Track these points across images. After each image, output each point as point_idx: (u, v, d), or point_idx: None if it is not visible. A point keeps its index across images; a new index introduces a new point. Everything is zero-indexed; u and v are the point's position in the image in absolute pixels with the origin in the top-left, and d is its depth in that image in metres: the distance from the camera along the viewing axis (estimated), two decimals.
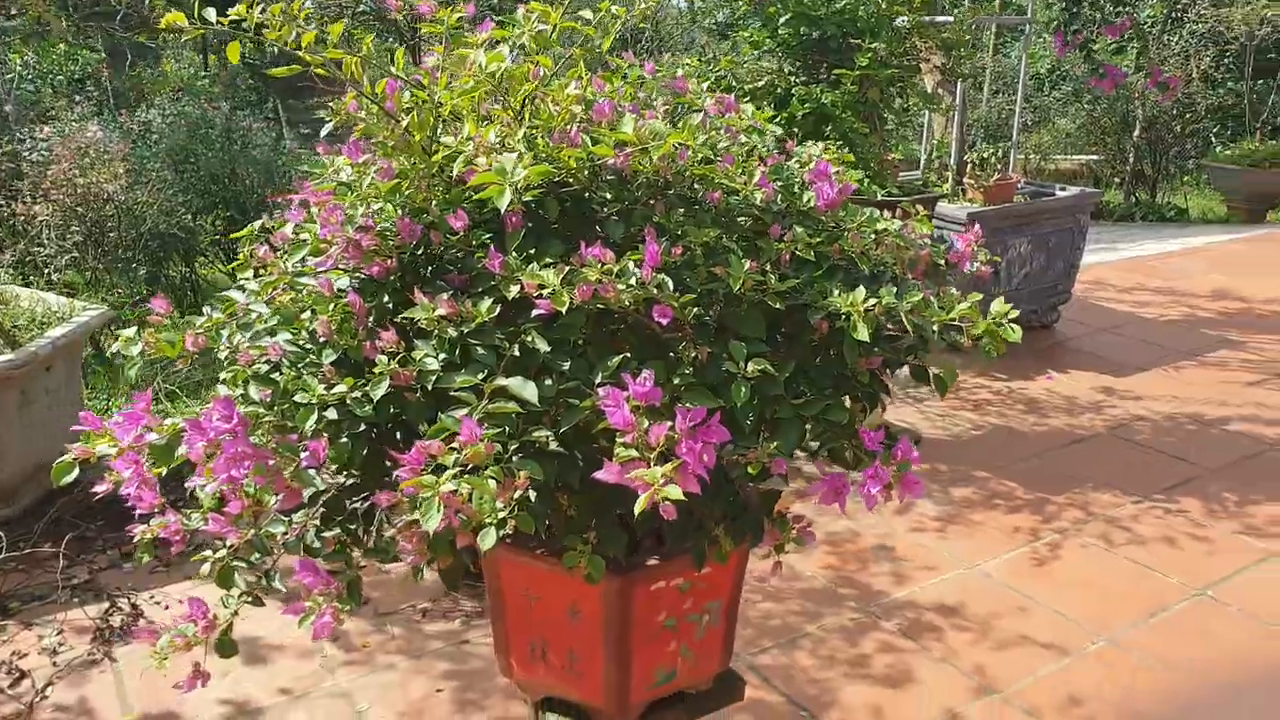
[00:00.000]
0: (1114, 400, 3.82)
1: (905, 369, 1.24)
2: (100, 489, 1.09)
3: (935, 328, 1.13)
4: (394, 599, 2.43)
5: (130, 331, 1.09)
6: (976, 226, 1.40)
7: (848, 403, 1.10)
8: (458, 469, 0.86)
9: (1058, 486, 3.06)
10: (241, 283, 1.12)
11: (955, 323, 1.10)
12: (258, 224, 1.20)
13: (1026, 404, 3.76)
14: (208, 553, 1.09)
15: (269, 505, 1.13)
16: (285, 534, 1.08)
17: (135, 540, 1.09)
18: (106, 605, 2.39)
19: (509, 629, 1.37)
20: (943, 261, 1.33)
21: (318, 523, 1.08)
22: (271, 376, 0.98)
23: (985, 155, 4.29)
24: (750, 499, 1.10)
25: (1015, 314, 1.10)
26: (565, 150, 1.02)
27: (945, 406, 3.72)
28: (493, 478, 0.86)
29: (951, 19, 3.50)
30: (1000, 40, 7.37)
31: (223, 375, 1.12)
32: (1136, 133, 9.09)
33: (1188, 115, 9.08)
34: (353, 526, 1.08)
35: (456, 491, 0.84)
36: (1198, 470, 3.19)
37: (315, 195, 1.09)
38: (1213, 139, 9.34)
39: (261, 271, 1.11)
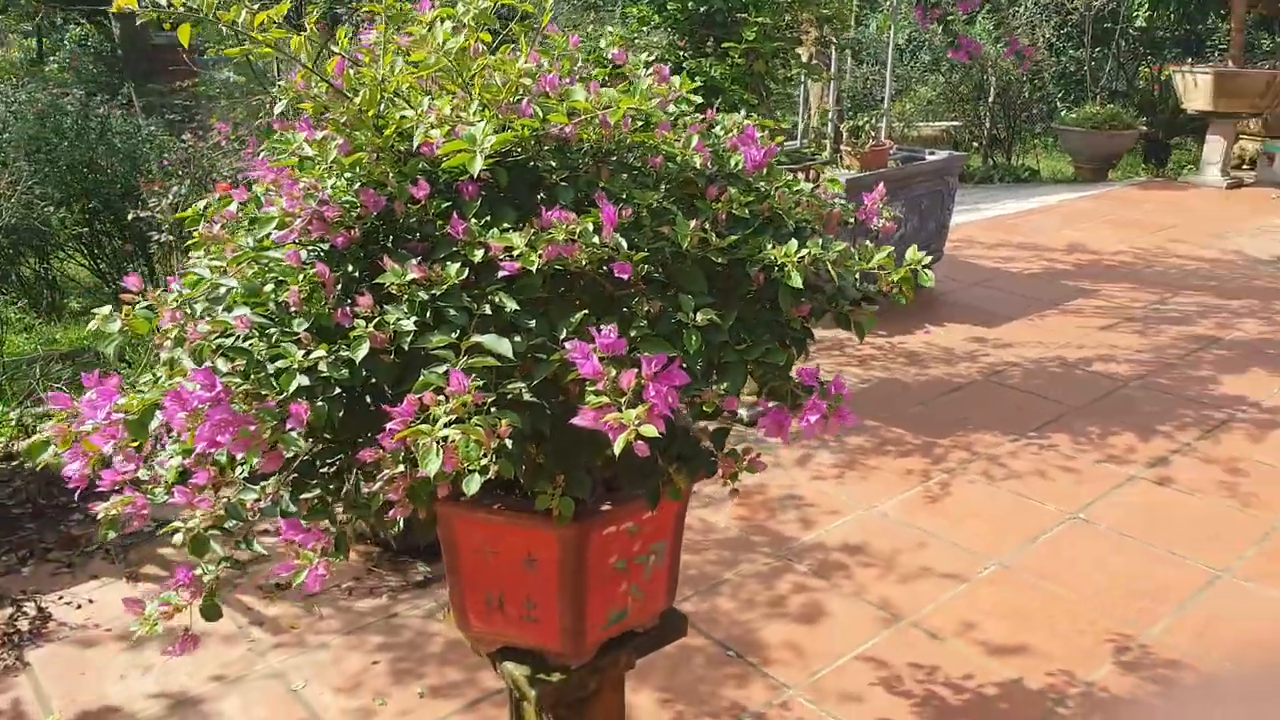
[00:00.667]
0: (987, 349, 4.10)
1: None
2: (73, 468, 1.09)
3: (856, 276, 1.24)
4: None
5: (106, 309, 1.09)
6: (880, 186, 1.52)
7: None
8: (446, 419, 0.92)
9: (943, 430, 3.29)
10: (194, 261, 1.13)
11: (873, 270, 1.22)
12: (201, 204, 1.21)
13: (908, 357, 4.00)
14: (178, 524, 1.11)
15: (234, 476, 1.16)
16: (258, 500, 1.11)
17: (99, 517, 1.10)
18: (10, 610, 2.31)
19: (465, 584, 1.43)
20: (851, 220, 1.45)
21: (290, 488, 1.11)
22: (242, 347, 1.01)
23: (860, 123, 4.50)
24: (701, 438, 1.19)
25: (929, 259, 1.22)
26: (518, 120, 1.08)
27: (833, 364, 3.91)
28: (479, 425, 0.92)
29: None
30: (860, 12, 7.63)
31: (173, 354, 1.13)
32: (991, 98, 9.61)
33: (1035, 82, 9.65)
34: (332, 486, 1.12)
35: (447, 439, 0.90)
36: (1064, 408, 3.48)
37: (273, 171, 1.11)
38: (1058, 104, 9.95)
39: (214, 249, 1.12)
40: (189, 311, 1.06)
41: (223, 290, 1.06)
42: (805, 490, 2.89)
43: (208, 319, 1.07)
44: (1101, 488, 2.89)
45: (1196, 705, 1.98)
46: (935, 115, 9.77)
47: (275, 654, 2.15)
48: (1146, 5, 9.08)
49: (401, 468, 0.98)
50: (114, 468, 1.13)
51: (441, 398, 0.94)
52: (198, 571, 1.09)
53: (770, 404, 1.19)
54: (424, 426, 0.91)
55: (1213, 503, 2.80)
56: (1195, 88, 7.97)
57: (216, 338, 1.07)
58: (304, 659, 2.13)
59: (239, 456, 1.10)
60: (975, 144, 9.59)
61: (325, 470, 1.12)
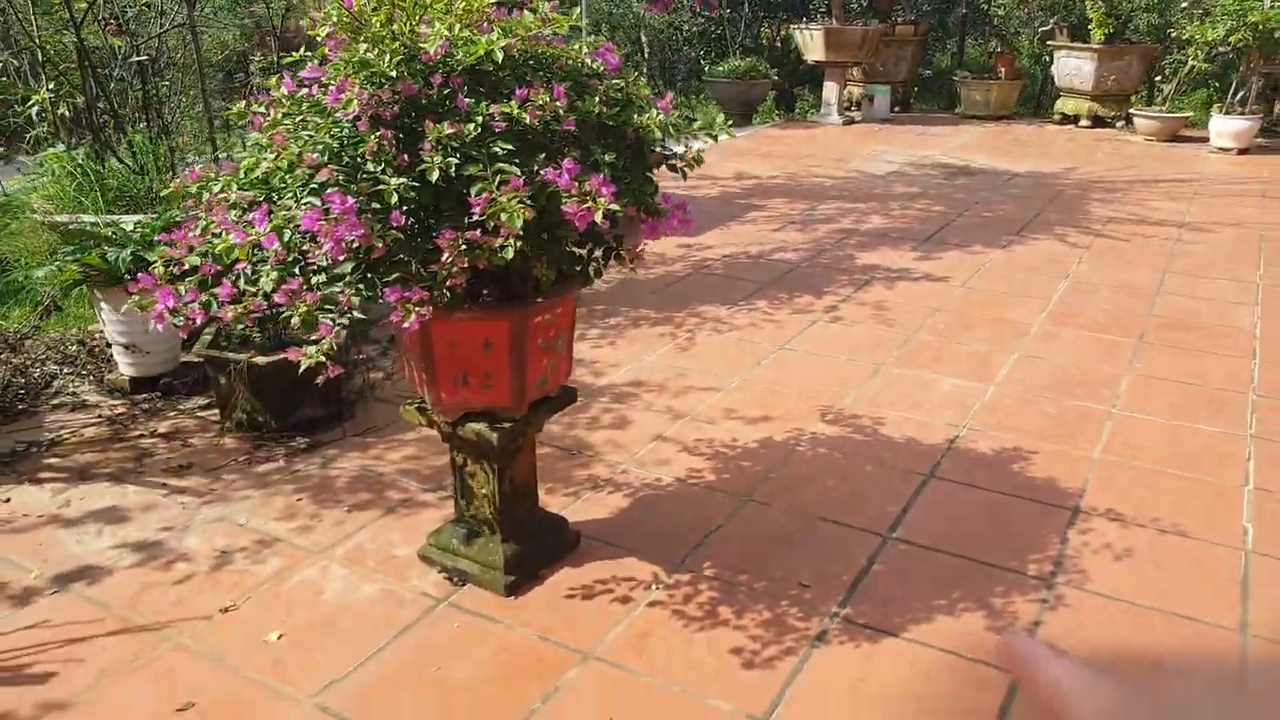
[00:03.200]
0: (693, 252, 5.11)
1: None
2: (160, 307, 1.60)
3: (685, 136, 2.03)
4: (213, 461, 2.84)
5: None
6: (669, 94, 2.31)
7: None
8: (508, 203, 1.56)
9: (676, 307, 4.22)
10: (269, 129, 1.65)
11: (701, 129, 2.00)
12: (238, 106, 1.73)
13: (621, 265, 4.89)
14: (288, 311, 1.64)
15: (315, 283, 1.72)
16: (341, 293, 1.68)
17: (230, 314, 1.62)
18: None
19: (438, 371, 2.04)
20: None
21: (362, 283, 1.68)
22: (344, 183, 1.56)
23: None
24: (608, 235, 1.91)
25: (730, 122, 2.03)
26: (497, 32, 1.71)
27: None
28: (521, 205, 1.57)
29: None
30: None
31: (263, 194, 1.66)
32: (647, 55, 10.85)
33: (680, 40, 11.02)
34: (396, 274, 1.70)
35: (511, 212, 1.55)
36: (759, 284, 4.55)
37: (321, 73, 1.65)
38: (701, 60, 11.40)
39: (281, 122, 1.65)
40: (299, 148, 1.61)
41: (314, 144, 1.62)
42: (589, 355, 3.68)
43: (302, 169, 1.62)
44: (796, 329, 3.95)
45: (875, 437, 3.03)
46: None
47: (207, 509, 2.58)
48: None
49: (464, 245, 1.62)
50: (226, 285, 1.66)
51: (503, 190, 1.59)
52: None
53: (645, 216, 1.95)
54: (502, 200, 1.57)
55: (869, 329, 3.95)
56: (811, 42, 9.64)
57: (301, 181, 1.62)
58: (235, 507, 2.59)
59: (318, 263, 1.67)
60: None
61: (399, 260, 1.70)
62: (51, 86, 3.33)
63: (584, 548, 2.39)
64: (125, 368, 3.21)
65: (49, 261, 2.93)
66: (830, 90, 9.82)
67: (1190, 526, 2.49)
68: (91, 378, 3.28)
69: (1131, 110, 9.06)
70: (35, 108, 3.32)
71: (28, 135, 3.55)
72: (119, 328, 3.10)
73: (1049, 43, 9.72)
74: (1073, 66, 9.37)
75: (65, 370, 3.32)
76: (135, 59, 3.44)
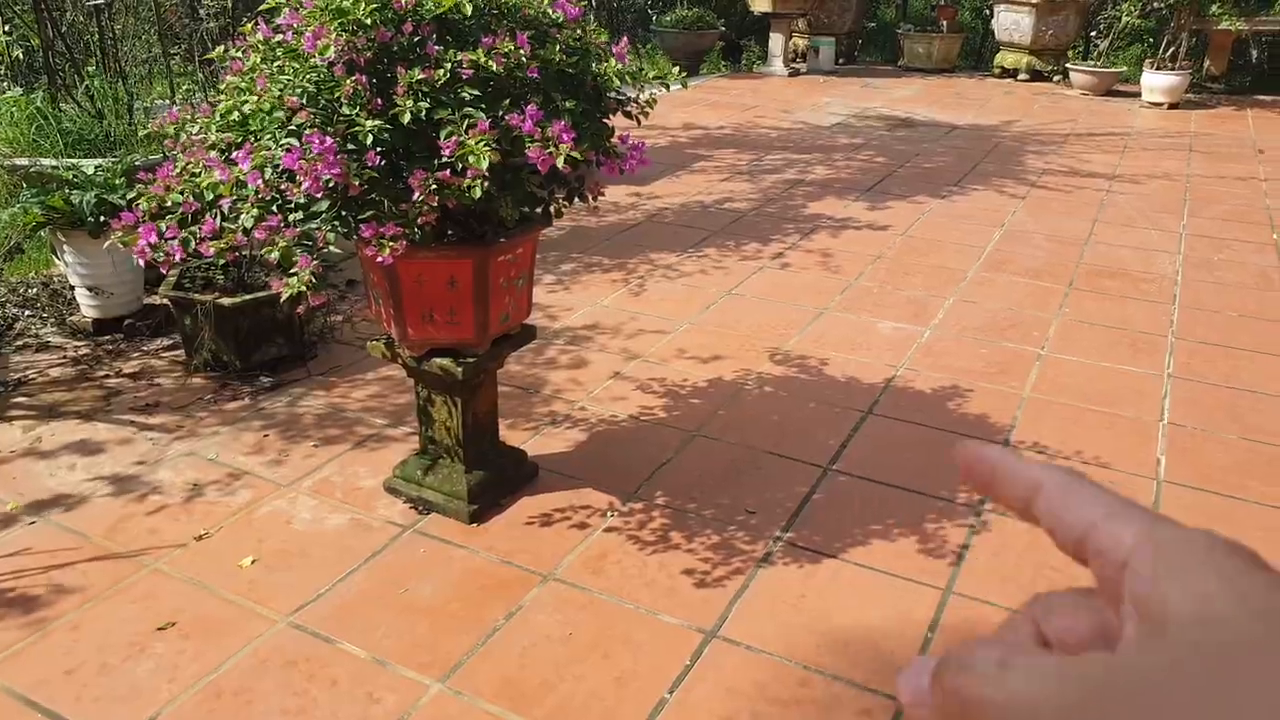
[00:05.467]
0: (644, 201, 5.21)
1: None
2: (143, 243, 1.67)
3: (640, 84, 2.13)
4: (181, 399, 2.90)
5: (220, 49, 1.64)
6: (624, 39, 2.40)
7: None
8: (476, 145, 1.66)
9: (628, 253, 4.33)
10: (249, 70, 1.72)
11: (656, 78, 2.10)
12: (219, 50, 1.78)
13: (587, 210, 4.99)
14: (270, 246, 1.73)
15: (292, 219, 1.80)
16: (317, 229, 1.76)
17: (212, 249, 1.70)
18: None
19: (406, 307, 2.14)
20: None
21: (337, 219, 1.77)
22: (321, 125, 1.64)
23: None
24: (570, 177, 2.02)
25: (683, 73, 2.13)
26: None
27: None
28: (488, 148, 1.67)
29: None
30: None
31: (253, 127, 1.73)
32: (595, 4, 10.78)
33: None
34: (369, 212, 1.79)
35: (479, 154, 1.65)
36: (707, 233, 4.67)
37: (297, 19, 1.71)
38: (650, 9, 11.36)
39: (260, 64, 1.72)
40: (282, 88, 1.68)
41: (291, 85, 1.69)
42: (544, 299, 3.78)
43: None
44: (743, 275, 4.10)
45: (818, 377, 3.20)
46: None
47: (178, 444, 2.65)
48: None
49: (434, 185, 1.71)
50: (210, 221, 1.73)
51: (471, 134, 1.69)
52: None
53: (603, 159, 2.05)
54: (469, 143, 1.66)
55: (814, 275, 4.11)
56: None
57: (279, 122, 1.70)
58: (205, 442, 2.67)
59: (296, 201, 1.76)
60: None
61: (373, 199, 1.79)
62: (6, 29, 3.30)
63: (543, 478, 2.52)
64: (88, 310, 3.23)
65: (10, 205, 2.93)
66: (776, 42, 9.89)
67: (1110, 458, 2.70)
68: (53, 320, 3.31)
69: (1068, 65, 9.30)
70: None
71: None
72: (82, 270, 3.12)
73: None
74: (1012, 21, 9.56)
75: (26, 313, 3.34)
76: (91, 2, 3.41)
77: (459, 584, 2.14)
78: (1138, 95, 8.56)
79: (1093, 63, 9.15)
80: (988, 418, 2.90)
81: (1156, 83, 8.28)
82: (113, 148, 3.18)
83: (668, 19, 10.11)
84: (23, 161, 3.09)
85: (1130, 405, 3.01)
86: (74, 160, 3.06)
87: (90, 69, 3.30)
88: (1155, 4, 8.28)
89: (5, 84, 3.57)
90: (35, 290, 3.47)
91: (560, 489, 2.48)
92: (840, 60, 10.63)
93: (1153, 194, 5.56)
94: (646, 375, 3.13)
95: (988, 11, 10.20)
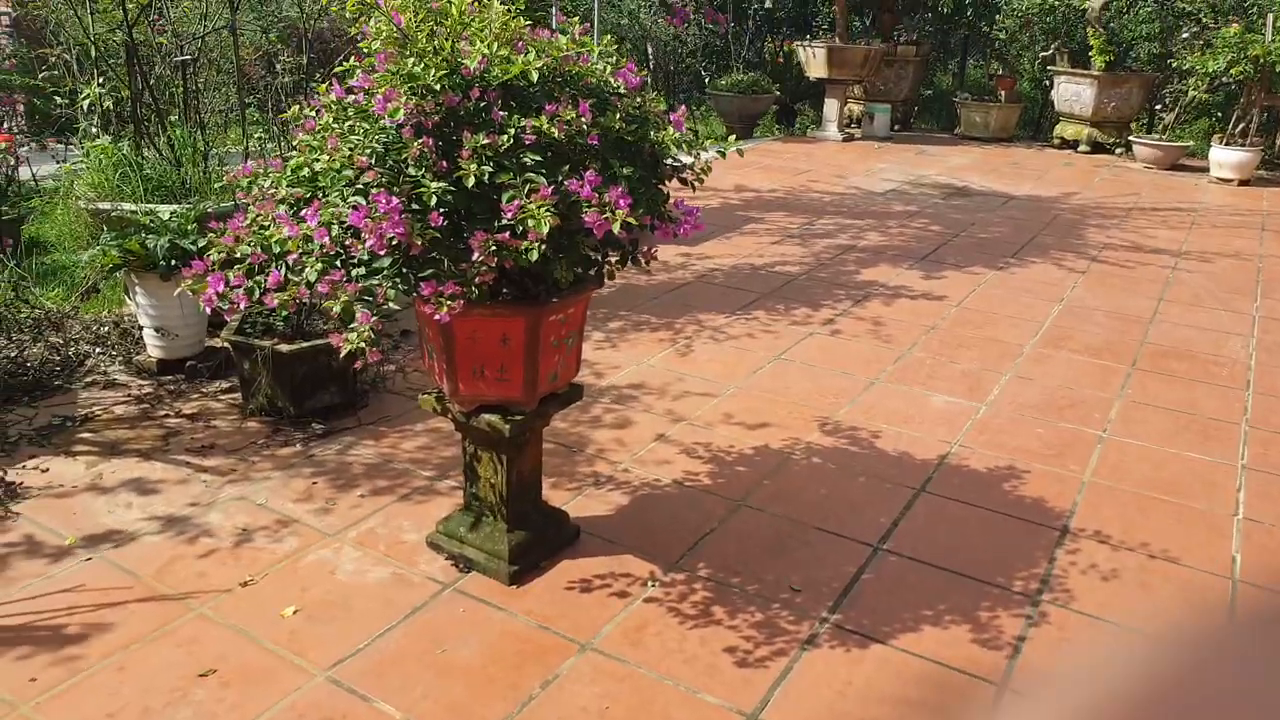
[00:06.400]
0: (694, 261, 5.23)
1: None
2: (210, 293, 1.71)
3: (696, 151, 2.15)
4: (235, 443, 2.95)
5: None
6: (683, 107, 2.43)
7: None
8: (537, 210, 1.68)
9: (677, 313, 4.34)
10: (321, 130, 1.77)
11: (710, 145, 2.12)
12: (294, 109, 1.84)
13: (637, 269, 5.01)
14: (331, 301, 1.76)
15: (355, 274, 1.84)
16: (378, 285, 1.79)
17: (275, 300, 1.73)
18: None
19: (458, 363, 2.16)
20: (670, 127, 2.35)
21: (399, 275, 1.79)
22: (388, 184, 1.68)
23: None
24: (624, 241, 2.04)
25: (736, 137, 2.15)
26: (533, 53, 1.83)
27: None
28: (548, 213, 1.69)
29: None
30: None
31: (320, 185, 1.78)
32: (652, 66, 10.99)
33: (685, 48, 11.15)
34: (430, 270, 1.81)
35: (539, 218, 1.67)
36: (757, 295, 4.67)
37: (369, 81, 1.76)
38: (703, 72, 11.54)
39: (329, 127, 1.76)
40: (352, 146, 1.72)
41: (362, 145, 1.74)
42: (591, 356, 3.79)
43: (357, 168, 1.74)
44: (792, 340, 4.08)
45: (868, 450, 3.15)
46: None
47: (230, 487, 2.69)
48: None
49: (494, 247, 1.74)
50: (275, 273, 1.77)
51: (533, 199, 1.71)
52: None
53: (658, 223, 2.07)
54: (530, 207, 1.69)
55: (865, 343, 4.08)
56: (814, 59, 9.78)
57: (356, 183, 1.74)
58: (255, 487, 2.70)
59: (360, 257, 1.79)
60: None
61: (433, 258, 1.82)
62: (100, 81, 3.46)
63: (584, 541, 2.51)
64: (154, 349, 3.34)
65: (91, 246, 3.05)
66: (831, 107, 9.97)
67: (1179, 553, 2.56)
68: (121, 358, 3.42)
69: (1131, 137, 9.22)
70: (87, 101, 3.45)
71: (77, 126, 3.69)
72: (151, 311, 3.23)
73: (1049, 68, 9.88)
74: (1073, 92, 9.53)
75: (97, 350, 3.45)
76: (179, 58, 3.57)
77: (496, 647, 2.12)
78: (1205, 170, 8.44)
79: (1157, 136, 9.06)
80: (1045, 502, 2.82)
81: (1226, 158, 8.16)
82: (188, 194, 3.30)
83: (723, 83, 10.26)
84: (105, 205, 3.22)
85: (1200, 496, 2.89)
86: (151, 205, 3.17)
87: (173, 119, 3.45)
88: (1223, 79, 8.20)
89: (96, 132, 3.73)
90: (107, 329, 3.58)
91: (601, 554, 2.46)
92: (895, 127, 10.67)
93: (1222, 273, 5.44)
94: (692, 439, 3.11)
95: (1047, 82, 10.19)
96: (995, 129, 10.26)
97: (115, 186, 3.25)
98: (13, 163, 3.63)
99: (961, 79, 12.13)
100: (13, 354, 3.27)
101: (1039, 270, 5.33)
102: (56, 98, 3.77)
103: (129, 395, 3.22)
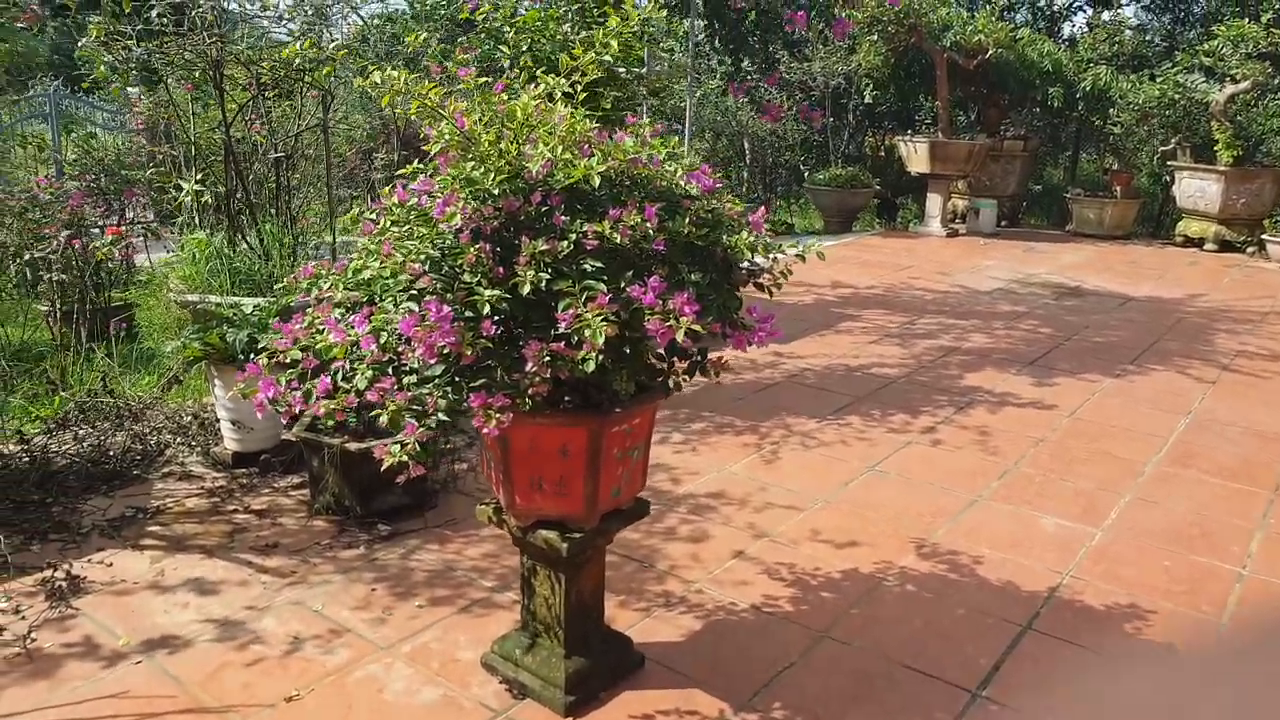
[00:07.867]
0: (785, 360, 5.05)
1: None
2: (264, 395, 1.64)
3: (774, 255, 2.01)
4: (299, 542, 2.88)
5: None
6: (763, 209, 2.30)
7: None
8: (594, 319, 1.56)
9: (763, 416, 4.15)
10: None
11: (788, 254, 1.99)
12: (353, 212, 1.80)
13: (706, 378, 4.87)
14: (379, 410, 1.67)
15: (406, 382, 1.74)
16: (428, 394, 1.69)
17: (322, 409, 1.65)
18: (45, 573, 2.59)
19: (515, 474, 2.03)
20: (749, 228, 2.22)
21: (450, 385, 1.70)
22: (441, 291, 1.60)
23: None
24: (693, 350, 1.90)
25: (826, 245, 2.01)
26: (596, 156, 1.75)
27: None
28: (605, 323, 1.57)
29: (658, 69, 4.52)
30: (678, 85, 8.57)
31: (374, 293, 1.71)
32: (749, 160, 11.03)
33: (784, 143, 11.17)
34: (482, 380, 1.71)
35: (594, 331, 1.55)
36: (852, 398, 4.45)
37: (429, 185, 1.71)
38: (801, 167, 11.51)
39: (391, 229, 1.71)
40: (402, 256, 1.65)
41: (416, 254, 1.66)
42: (669, 460, 3.63)
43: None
44: (889, 449, 3.83)
45: (969, 577, 2.87)
46: None
47: (288, 590, 2.60)
48: (872, 85, 10.80)
49: (548, 357, 1.62)
50: (324, 380, 1.69)
51: (590, 307, 1.60)
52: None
53: (731, 330, 1.93)
54: (586, 316, 1.57)
55: (968, 455, 3.80)
56: (916, 154, 9.63)
57: (402, 287, 1.66)
58: (314, 591, 2.60)
59: (411, 365, 1.70)
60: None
61: (487, 366, 1.71)
62: (199, 177, 3.59)
63: (649, 671, 2.31)
64: (230, 442, 3.35)
65: (176, 337, 3.10)
66: (934, 202, 9.75)
67: None
68: (200, 449, 3.44)
69: (1265, 236, 8.70)
70: (189, 196, 3.60)
71: (178, 220, 3.83)
72: (229, 404, 3.25)
73: (1170, 162, 9.47)
74: (1197, 188, 9.09)
75: (177, 440, 3.49)
76: (273, 155, 3.69)
77: None
78: None
79: None
80: (1175, 649, 2.49)
81: None
82: (274, 288, 3.34)
83: (820, 177, 10.19)
84: (193, 297, 3.27)
85: None
86: (236, 299, 3.21)
87: (266, 213, 3.54)
88: None
89: (194, 225, 3.86)
90: (189, 419, 3.61)
91: (666, 686, 2.26)
92: (1002, 222, 10.36)
93: None
94: (774, 558, 2.89)
95: (1167, 177, 9.76)
96: (1110, 225, 9.85)
97: (205, 279, 3.32)
98: (116, 255, 3.78)
99: (1073, 173, 11.77)
100: (95, 442, 3.31)
101: (1162, 379, 4.95)
102: (166, 191, 3.94)
103: (202, 488, 3.21)
